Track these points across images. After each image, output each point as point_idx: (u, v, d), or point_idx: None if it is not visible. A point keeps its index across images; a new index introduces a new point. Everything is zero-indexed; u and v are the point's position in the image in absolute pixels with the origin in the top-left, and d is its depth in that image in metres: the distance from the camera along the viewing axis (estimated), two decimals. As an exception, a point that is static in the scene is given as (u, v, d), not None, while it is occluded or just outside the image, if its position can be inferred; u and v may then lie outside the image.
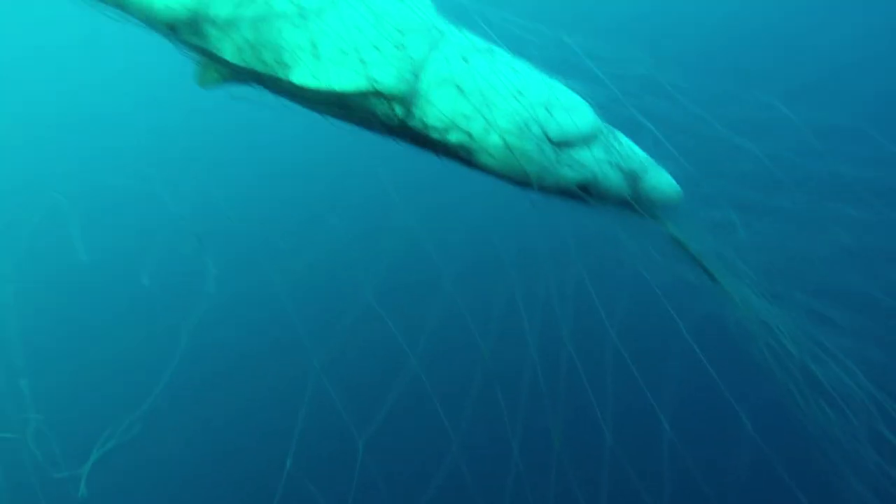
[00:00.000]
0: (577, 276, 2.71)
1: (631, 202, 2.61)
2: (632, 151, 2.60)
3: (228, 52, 2.88)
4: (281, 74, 2.71)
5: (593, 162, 2.44)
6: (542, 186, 2.51)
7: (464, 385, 3.16)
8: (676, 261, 2.62)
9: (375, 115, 2.59)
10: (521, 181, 2.51)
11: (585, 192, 2.54)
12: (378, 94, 2.47)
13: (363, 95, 2.52)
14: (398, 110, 2.49)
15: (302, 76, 2.61)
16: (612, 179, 2.52)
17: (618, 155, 2.52)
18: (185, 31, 3.00)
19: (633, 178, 2.57)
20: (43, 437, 3.65)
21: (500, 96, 2.36)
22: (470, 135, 2.40)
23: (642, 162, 2.60)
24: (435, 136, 2.49)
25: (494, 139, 2.37)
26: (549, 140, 2.38)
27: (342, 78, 2.50)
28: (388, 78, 2.43)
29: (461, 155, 2.54)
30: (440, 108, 2.40)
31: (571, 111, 2.41)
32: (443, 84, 2.40)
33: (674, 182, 2.64)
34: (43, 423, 3.56)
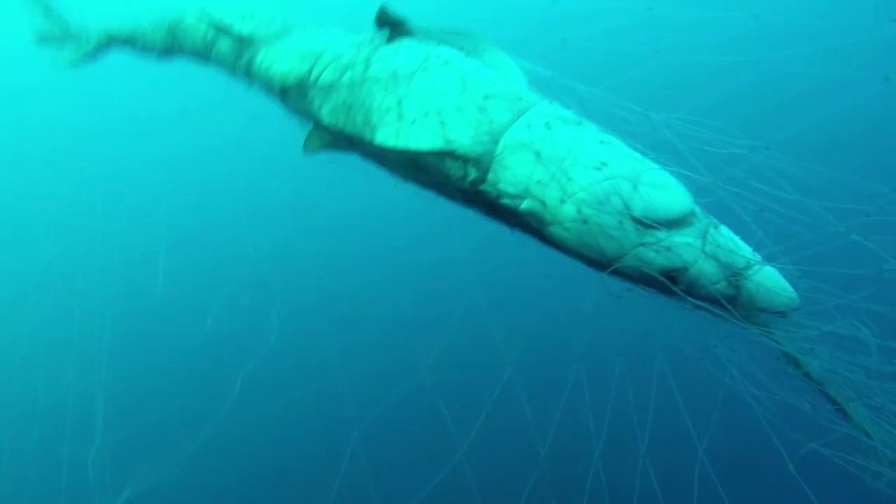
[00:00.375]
0: (659, 383, 2.29)
1: (731, 303, 2.21)
2: (735, 245, 2.24)
3: (326, 114, 3.03)
4: (367, 135, 2.77)
5: (684, 248, 2.12)
6: (621, 270, 2.21)
7: (515, 490, 2.73)
8: (785, 382, 2.13)
9: (450, 178, 2.52)
10: (597, 260, 2.24)
11: (673, 283, 2.19)
12: (452, 154, 2.40)
13: (438, 155, 2.47)
14: (472, 172, 2.39)
15: (385, 136, 2.64)
16: (708, 272, 2.15)
17: (716, 246, 2.18)
18: (293, 94, 3.24)
19: (734, 274, 2.18)
20: (101, 458, 3.75)
21: (580, 166, 2.17)
22: (543, 203, 2.21)
23: (747, 258, 2.22)
24: (507, 202, 2.33)
25: (569, 209, 2.16)
26: (632, 216, 2.11)
27: (420, 137, 2.48)
28: (463, 139, 2.36)
29: (533, 226, 2.34)
30: (514, 173, 2.26)
31: (661, 189, 2.15)
32: (520, 149, 2.27)
33: (786, 284, 2.20)
34: (105, 446, 3.66)
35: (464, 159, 2.39)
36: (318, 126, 3.49)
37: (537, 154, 2.23)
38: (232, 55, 3.67)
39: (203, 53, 3.99)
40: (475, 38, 2.84)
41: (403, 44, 2.80)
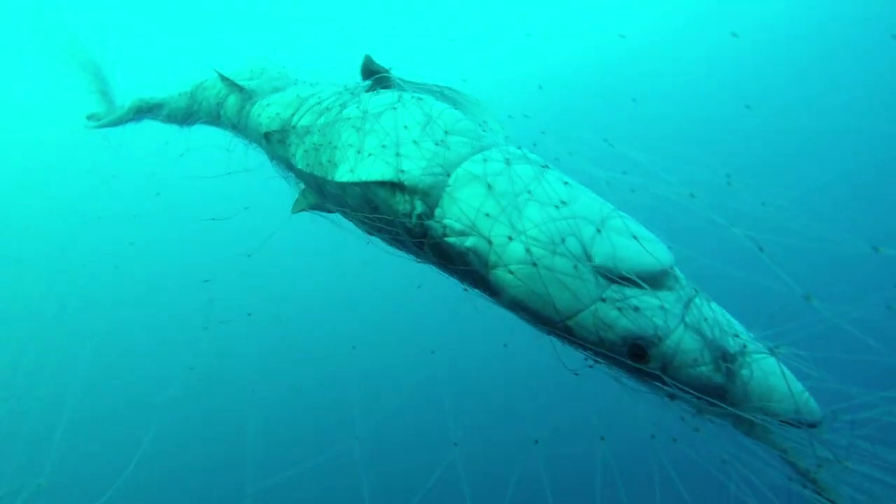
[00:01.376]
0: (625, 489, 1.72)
1: (719, 396, 1.71)
2: (728, 323, 1.79)
3: (299, 158, 2.92)
4: (329, 174, 2.60)
5: (656, 311, 1.69)
6: (578, 334, 1.78)
7: None
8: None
9: (399, 215, 2.24)
10: (549, 318, 1.82)
11: (642, 355, 1.73)
12: (402, 186, 2.15)
13: (390, 189, 2.22)
14: (419, 206, 2.11)
15: (342, 172, 2.45)
16: (688, 348, 1.69)
17: (702, 318, 1.74)
18: (274, 140, 3.18)
19: (724, 357, 1.71)
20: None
21: (536, 202, 1.86)
22: (489, 241, 1.87)
23: (743, 340, 1.76)
24: (452, 241, 2.01)
25: (516, 248, 1.80)
26: (592, 263, 1.73)
27: (373, 169, 2.27)
28: (414, 169, 2.12)
29: (479, 271, 1.98)
30: (462, 207, 1.96)
31: (632, 239, 1.78)
32: (472, 181, 2.00)
33: (795, 381, 1.70)
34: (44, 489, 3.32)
35: (412, 191, 2.13)
36: (305, 190, 3.43)
37: (489, 187, 1.94)
38: (236, 110, 3.75)
39: (215, 112, 4.12)
40: (458, 93, 2.74)
41: (383, 91, 2.72)
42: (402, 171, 2.14)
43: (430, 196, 2.08)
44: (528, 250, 1.77)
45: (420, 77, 2.89)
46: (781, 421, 1.66)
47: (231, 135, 4.13)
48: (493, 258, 1.87)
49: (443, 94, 2.71)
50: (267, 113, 3.22)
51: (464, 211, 1.95)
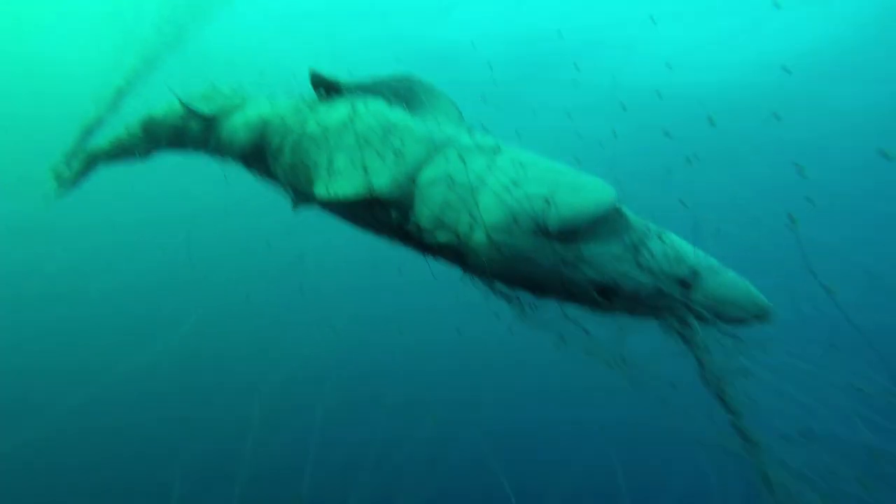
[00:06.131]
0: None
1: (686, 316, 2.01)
2: (678, 253, 2.04)
3: (281, 176, 3.13)
4: (307, 190, 2.82)
5: (607, 258, 1.95)
6: (551, 291, 2.08)
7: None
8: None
9: (383, 223, 2.50)
10: (528, 286, 2.12)
11: (610, 300, 2.01)
12: (376, 199, 2.38)
13: (367, 203, 2.45)
14: (395, 215, 2.37)
15: (319, 190, 2.66)
16: (644, 284, 1.97)
17: (651, 255, 2.00)
18: (252, 161, 3.37)
19: (681, 283, 1.99)
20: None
21: (489, 190, 2.10)
22: (457, 233, 2.14)
23: (697, 265, 2.02)
24: (428, 238, 2.27)
25: (479, 237, 2.07)
26: (548, 233, 1.98)
27: (346, 187, 2.49)
28: (383, 183, 2.35)
29: (458, 258, 2.27)
30: (429, 207, 2.22)
31: (576, 191, 2.02)
32: (434, 183, 2.24)
33: (750, 287, 1.99)
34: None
35: (385, 203, 2.37)
36: (286, 189, 3.59)
37: (450, 185, 2.18)
38: (202, 137, 3.81)
39: (176, 140, 4.11)
40: (409, 81, 2.87)
41: (336, 101, 2.88)
42: (373, 187, 2.36)
43: (402, 204, 2.32)
44: (489, 237, 2.03)
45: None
46: (730, 319, 1.97)
47: (199, 154, 4.14)
48: (464, 249, 2.14)
49: (394, 88, 2.86)
50: (237, 138, 3.36)
51: (431, 210, 2.19)
